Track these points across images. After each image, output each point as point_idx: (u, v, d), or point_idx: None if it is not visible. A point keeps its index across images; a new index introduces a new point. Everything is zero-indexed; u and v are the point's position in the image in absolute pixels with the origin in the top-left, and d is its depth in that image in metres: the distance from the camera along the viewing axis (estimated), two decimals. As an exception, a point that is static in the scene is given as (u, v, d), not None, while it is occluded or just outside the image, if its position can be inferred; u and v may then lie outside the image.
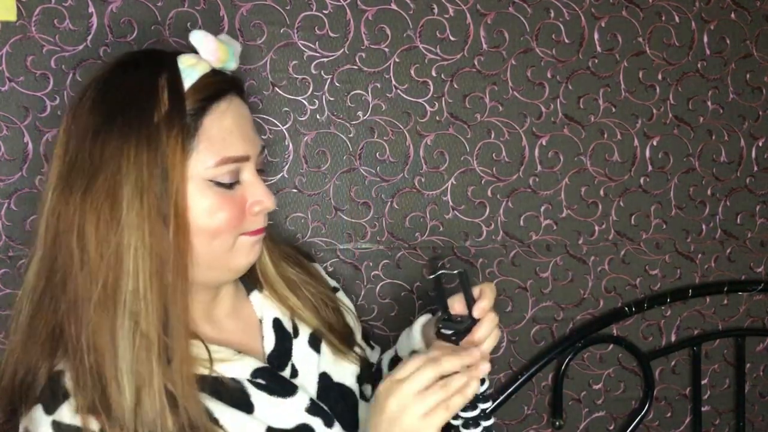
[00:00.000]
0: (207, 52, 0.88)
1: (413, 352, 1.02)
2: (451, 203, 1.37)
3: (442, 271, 0.92)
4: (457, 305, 0.92)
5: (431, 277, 0.93)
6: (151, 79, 0.84)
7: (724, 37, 1.44)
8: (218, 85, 0.87)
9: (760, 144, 1.48)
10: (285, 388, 0.93)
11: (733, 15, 1.44)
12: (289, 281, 1.03)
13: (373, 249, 1.36)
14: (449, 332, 0.89)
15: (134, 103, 0.83)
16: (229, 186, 0.87)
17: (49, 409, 0.81)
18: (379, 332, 1.38)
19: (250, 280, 1.01)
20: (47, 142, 1.23)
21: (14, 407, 0.85)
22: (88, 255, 0.81)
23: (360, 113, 1.33)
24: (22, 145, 1.23)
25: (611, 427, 1.50)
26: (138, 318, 0.81)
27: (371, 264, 1.36)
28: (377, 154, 1.34)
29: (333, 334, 1.03)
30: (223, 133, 0.86)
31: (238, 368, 0.90)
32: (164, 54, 0.89)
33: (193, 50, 0.89)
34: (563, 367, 1.44)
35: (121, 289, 0.81)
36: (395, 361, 1.06)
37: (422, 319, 1.02)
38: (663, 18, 1.41)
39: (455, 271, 0.90)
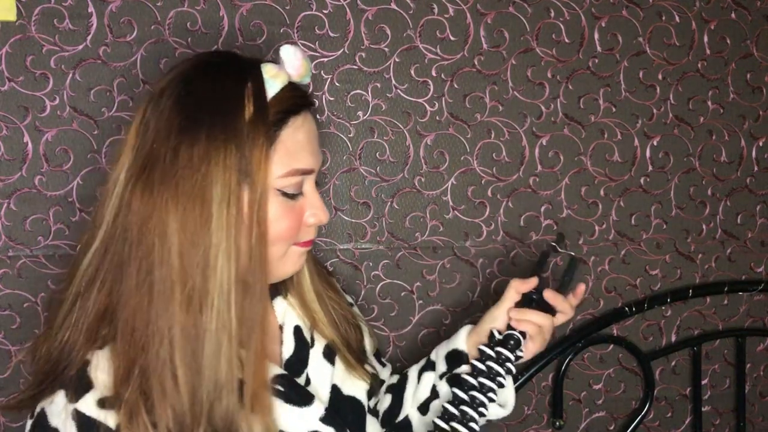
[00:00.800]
0: (293, 67, 0.90)
1: (453, 350, 1.05)
2: (451, 203, 1.37)
3: (561, 251, 1.04)
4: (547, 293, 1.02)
5: (550, 247, 1.04)
6: (237, 85, 0.86)
7: (724, 37, 1.44)
8: (297, 100, 0.90)
9: (760, 144, 1.48)
10: (302, 397, 0.94)
11: (733, 15, 1.44)
12: (319, 294, 1.04)
13: (373, 249, 1.36)
14: (535, 296, 1.01)
15: (222, 107, 0.84)
16: (293, 197, 0.89)
17: (72, 397, 0.81)
18: (379, 332, 1.37)
19: (274, 285, 1.01)
20: (47, 142, 1.23)
21: (44, 388, 0.84)
22: (169, 254, 0.82)
23: (360, 113, 1.33)
24: (21, 145, 1.23)
25: (611, 427, 1.50)
26: (224, 319, 0.83)
27: (371, 264, 1.36)
28: (377, 154, 1.34)
29: (349, 350, 1.05)
30: (296, 146, 0.88)
31: None
32: (245, 60, 0.91)
33: (272, 60, 0.91)
34: (563, 367, 1.44)
35: (209, 290, 0.82)
36: (426, 366, 1.09)
37: (467, 327, 1.06)
38: (663, 18, 1.41)
39: (571, 253, 1.02)
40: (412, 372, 1.10)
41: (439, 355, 1.07)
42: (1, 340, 1.26)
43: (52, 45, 1.22)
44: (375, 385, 1.08)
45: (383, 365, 1.16)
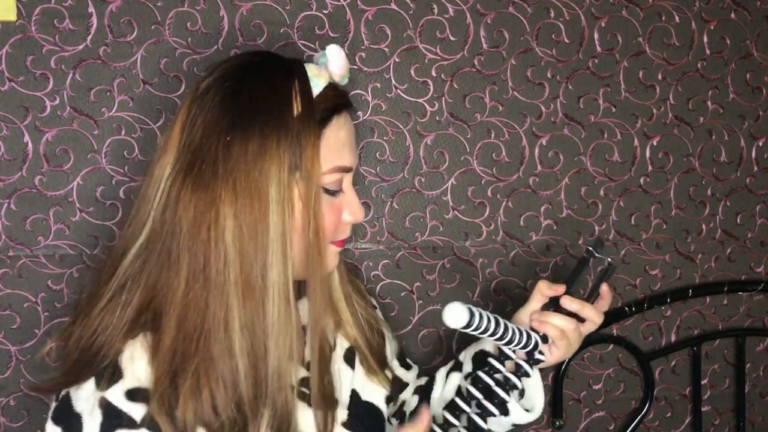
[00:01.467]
0: (337, 67, 0.91)
1: (480, 351, 1.06)
2: (451, 203, 1.37)
3: (599, 255, 1.00)
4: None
5: (587, 252, 1.01)
6: (285, 83, 0.87)
7: (724, 37, 1.44)
8: (339, 99, 0.91)
9: (760, 144, 1.48)
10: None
11: (733, 15, 1.44)
12: (347, 295, 1.05)
13: (373, 249, 1.36)
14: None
15: (272, 104, 0.85)
16: (334, 193, 0.91)
17: (101, 385, 0.81)
18: (379, 332, 1.38)
19: (300, 285, 1.02)
20: (47, 142, 1.23)
21: (75, 375, 0.84)
22: (225, 248, 0.83)
23: (361, 113, 1.33)
24: (22, 145, 1.23)
25: (611, 427, 1.50)
26: (286, 311, 0.85)
27: (371, 264, 1.36)
28: (377, 154, 1.34)
29: (371, 354, 1.05)
30: (338, 144, 0.89)
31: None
32: (288, 60, 0.92)
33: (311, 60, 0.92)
34: (563, 367, 1.44)
35: (268, 284, 0.84)
36: (454, 367, 1.09)
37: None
38: (663, 18, 1.41)
39: (608, 259, 0.99)
40: (440, 374, 1.10)
41: (467, 356, 1.07)
42: (1, 340, 1.26)
43: (52, 45, 1.22)
44: (394, 392, 1.07)
45: (409, 367, 1.16)
